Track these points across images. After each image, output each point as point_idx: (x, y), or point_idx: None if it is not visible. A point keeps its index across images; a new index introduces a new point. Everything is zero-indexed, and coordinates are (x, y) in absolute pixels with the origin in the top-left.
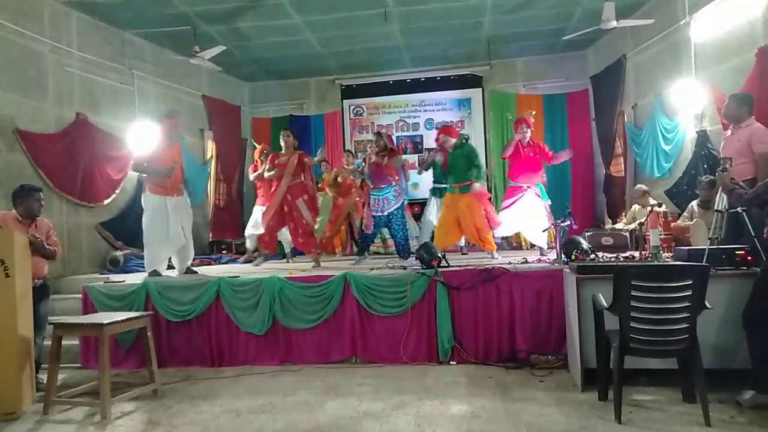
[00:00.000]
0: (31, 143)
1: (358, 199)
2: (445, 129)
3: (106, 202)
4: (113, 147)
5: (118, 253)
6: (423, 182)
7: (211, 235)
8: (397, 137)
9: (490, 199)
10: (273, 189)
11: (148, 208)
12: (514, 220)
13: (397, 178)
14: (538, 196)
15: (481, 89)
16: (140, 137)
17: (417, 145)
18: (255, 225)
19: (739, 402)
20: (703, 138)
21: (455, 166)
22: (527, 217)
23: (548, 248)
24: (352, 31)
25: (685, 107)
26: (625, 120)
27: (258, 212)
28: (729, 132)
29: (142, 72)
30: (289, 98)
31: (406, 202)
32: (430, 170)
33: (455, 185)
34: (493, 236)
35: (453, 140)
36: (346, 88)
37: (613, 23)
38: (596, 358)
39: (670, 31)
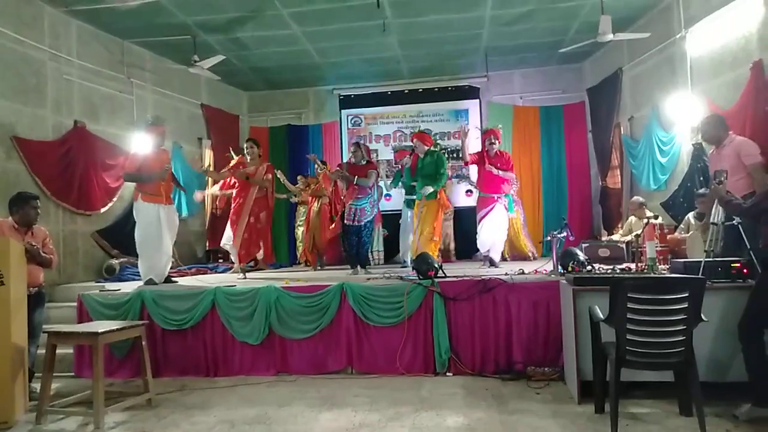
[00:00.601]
0: (28, 151)
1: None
2: (419, 135)
3: (102, 210)
4: (111, 155)
5: (114, 262)
6: (395, 193)
7: (207, 244)
8: (394, 147)
9: (459, 211)
10: (241, 200)
11: (141, 216)
12: (489, 233)
13: (371, 189)
14: (506, 208)
15: (478, 100)
16: (138, 145)
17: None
18: (230, 237)
19: (736, 415)
20: (699, 150)
21: (423, 172)
22: (495, 231)
23: (500, 261)
24: (351, 42)
25: (681, 120)
26: (622, 132)
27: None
28: (713, 150)
29: (141, 80)
30: (288, 108)
31: (375, 213)
32: (398, 184)
33: (422, 192)
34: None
35: (425, 147)
36: (345, 98)
37: (610, 36)
38: (593, 371)
39: (666, 44)
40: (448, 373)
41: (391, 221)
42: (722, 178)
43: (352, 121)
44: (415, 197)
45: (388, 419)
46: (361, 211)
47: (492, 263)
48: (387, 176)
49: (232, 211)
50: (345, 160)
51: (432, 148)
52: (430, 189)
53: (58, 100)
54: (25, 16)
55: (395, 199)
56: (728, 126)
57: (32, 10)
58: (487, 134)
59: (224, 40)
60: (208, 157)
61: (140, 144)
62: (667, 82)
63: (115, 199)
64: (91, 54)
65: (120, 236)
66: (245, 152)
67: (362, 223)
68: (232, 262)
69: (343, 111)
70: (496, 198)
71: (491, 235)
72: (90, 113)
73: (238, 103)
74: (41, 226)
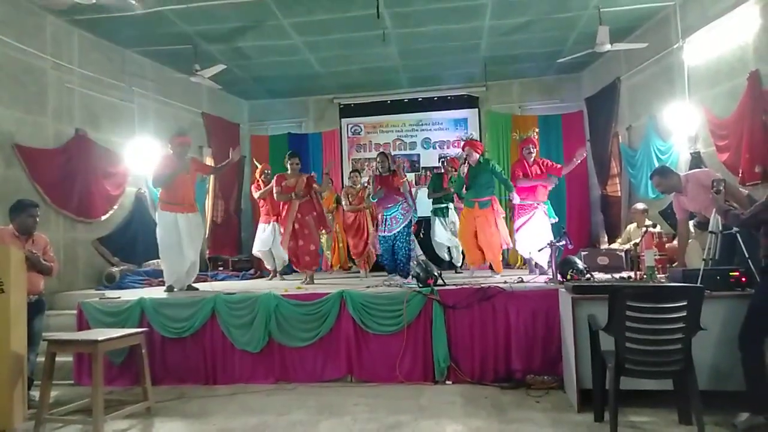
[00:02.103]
0: (29, 158)
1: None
2: (470, 143)
3: (103, 217)
4: (112, 163)
5: (115, 269)
6: (421, 202)
7: (208, 252)
8: (394, 156)
9: (504, 217)
10: (285, 212)
11: (161, 225)
12: (530, 240)
13: (403, 196)
14: (546, 214)
15: (477, 110)
16: (139, 153)
17: (414, 164)
18: (263, 243)
19: (735, 424)
20: (696, 159)
21: (476, 181)
22: (536, 237)
23: (548, 267)
24: (351, 52)
25: (679, 129)
26: (620, 141)
27: (262, 230)
28: (677, 196)
29: (142, 89)
30: (288, 116)
31: (414, 221)
32: (424, 191)
33: (474, 200)
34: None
35: (476, 155)
36: (345, 107)
37: (608, 47)
38: (592, 379)
39: (663, 54)
40: (447, 382)
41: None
42: (720, 187)
43: (352, 130)
44: (443, 205)
45: (388, 428)
46: (393, 219)
47: (542, 271)
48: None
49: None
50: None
51: (482, 156)
52: (517, 198)
53: (60, 108)
54: (28, 25)
55: (422, 207)
56: (673, 170)
57: (35, 19)
58: (525, 143)
59: (225, 49)
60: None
61: (151, 152)
62: (665, 91)
63: (115, 206)
64: (93, 63)
65: (120, 244)
66: (288, 165)
67: (394, 233)
68: (233, 270)
69: (343, 120)
70: (535, 205)
71: (531, 241)
72: (91, 121)
73: (239, 112)
74: (42, 234)
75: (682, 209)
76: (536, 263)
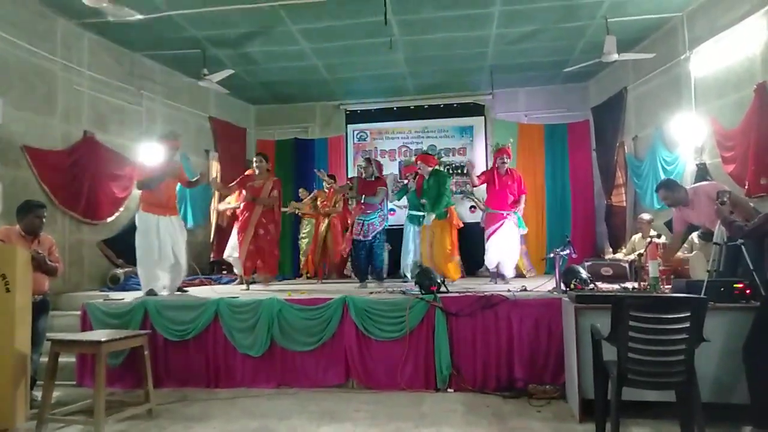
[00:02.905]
0: (38, 159)
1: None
2: (422, 156)
3: (109, 219)
4: (119, 165)
5: (119, 271)
6: (399, 209)
7: (213, 256)
8: (399, 162)
9: (464, 228)
10: (247, 215)
11: (140, 227)
12: (499, 250)
13: (381, 204)
14: (516, 224)
15: (483, 117)
16: (146, 156)
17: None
18: (234, 248)
19: None
20: (702, 171)
21: (429, 193)
22: (504, 246)
23: (513, 278)
24: (358, 59)
25: (685, 140)
26: (626, 151)
27: (234, 235)
28: (682, 209)
29: (150, 92)
30: (294, 122)
31: (386, 227)
32: (404, 198)
33: (429, 212)
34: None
35: (429, 168)
36: (351, 113)
37: (615, 56)
38: (594, 389)
39: (670, 65)
40: (449, 390)
41: (395, 236)
42: (725, 198)
43: (358, 136)
44: (420, 213)
45: None
46: (370, 225)
47: (503, 278)
48: (392, 191)
49: (239, 225)
50: (355, 175)
51: (436, 168)
52: (433, 217)
53: (68, 110)
54: (39, 28)
55: (399, 213)
56: (679, 183)
57: (46, 22)
58: (500, 152)
59: (233, 54)
60: (215, 169)
61: (151, 155)
62: (672, 102)
63: (121, 209)
64: (102, 66)
65: (125, 246)
66: (254, 165)
67: (370, 237)
68: (236, 274)
69: (349, 126)
70: (505, 215)
71: (500, 251)
72: (99, 124)
73: (246, 117)
74: (47, 235)
75: (683, 222)
76: (501, 273)
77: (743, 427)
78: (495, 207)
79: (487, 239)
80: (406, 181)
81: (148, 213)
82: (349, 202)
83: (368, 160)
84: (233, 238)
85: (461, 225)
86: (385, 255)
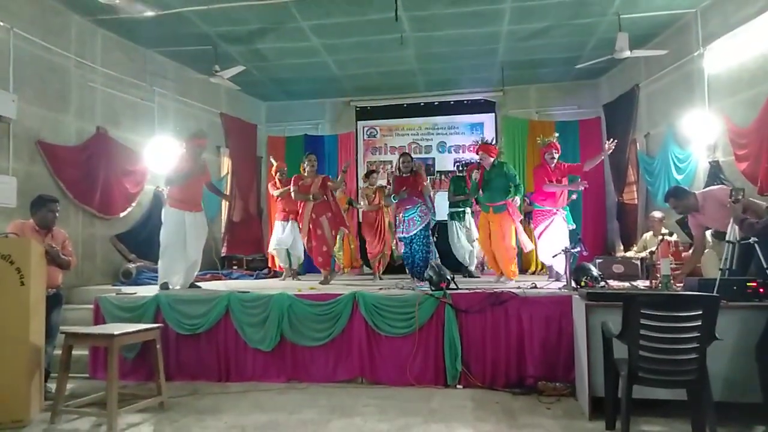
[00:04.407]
0: (52, 155)
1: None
2: (484, 146)
3: (121, 214)
4: (131, 161)
5: (131, 266)
6: (439, 205)
7: (224, 251)
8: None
9: (521, 221)
10: (301, 211)
11: (167, 221)
12: (551, 246)
13: (422, 198)
14: (565, 220)
15: (494, 114)
16: (158, 152)
17: (429, 168)
18: (280, 241)
19: None
20: (715, 168)
21: (491, 185)
22: (556, 243)
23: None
24: (369, 55)
25: (698, 138)
26: (638, 149)
27: (280, 228)
28: (694, 216)
29: (162, 89)
30: (305, 118)
31: (432, 224)
32: (440, 194)
33: (489, 204)
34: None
35: (491, 159)
36: (361, 109)
37: (627, 53)
38: (604, 387)
39: (683, 62)
40: (458, 386)
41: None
42: (739, 196)
43: (368, 133)
44: (461, 209)
45: (397, 429)
46: (410, 221)
47: (557, 278)
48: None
49: (310, 222)
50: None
51: (499, 159)
52: (518, 201)
53: (82, 106)
54: (53, 25)
55: (439, 210)
56: (688, 189)
57: (60, 19)
58: (548, 148)
59: (245, 51)
60: (226, 165)
61: (169, 150)
62: (684, 99)
63: (134, 204)
64: (115, 62)
65: (137, 241)
66: (305, 165)
67: (411, 234)
68: (247, 269)
69: (359, 122)
70: (554, 211)
71: (552, 248)
72: (112, 120)
73: (257, 113)
74: (61, 229)
75: (700, 227)
76: (555, 270)
77: (756, 427)
78: (546, 204)
79: (539, 237)
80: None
81: (176, 209)
82: (386, 200)
83: (407, 155)
84: (277, 232)
85: (521, 217)
86: (430, 254)
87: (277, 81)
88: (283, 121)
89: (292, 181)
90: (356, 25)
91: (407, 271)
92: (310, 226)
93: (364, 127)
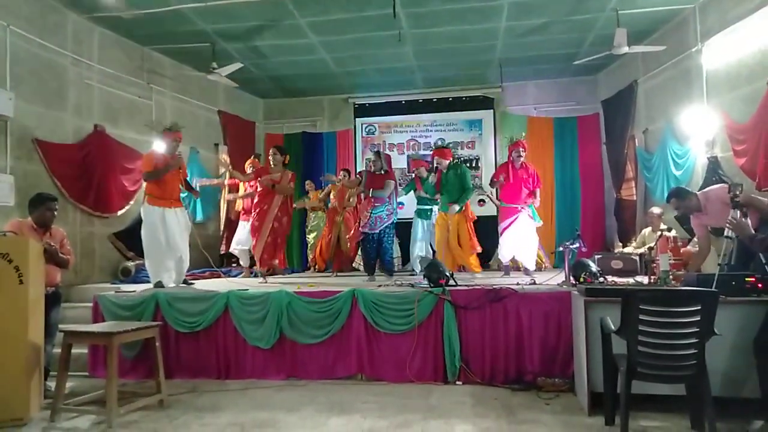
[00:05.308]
0: (49, 153)
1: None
2: (438, 151)
3: (119, 212)
4: (129, 159)
5: (130, 264)
6: (407, 203)
7: (223, 248)
8: (408, 156)
9: (475, 222)
10: (265, 207)
11: (147, 219)
12: (513, 243)
13: (389, 198)
14: (531, 217)
15: (492, 111)
16: (155, 147)
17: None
18: (239, 241)
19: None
20: (714, 164)
21: (447, 187)
22: (521, 240)
23: (535, 270)
24: (367, 52)
25: (696, 133)
26: (636, 145)
27: (242, 227)
28: (696, 216)
29: (160, 86)
30: (303, 115)
31: (395, 221)
32: (410, 192)
33: (448, 205)
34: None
35: (446, 161)
36: (359, 106)
37: (625, 49)
38: (603, 382)
39: (681, 57)
40: (457, 382)
41: (403, 230)
42: (738, 192)
43: (367, 130)
44: (428, 207)
45: (397, 426)
46: (378, 218)
47: (526, 271)
48: (400, 185)
49: (254, 216)
50: (364, 169)
51: (454, 161)
52: (457, 207)
53: (79, 104)
54: (49, 22)
55: (407, 207)
56: (689, 190)
57: (57, 17)
58: (515, 146)
59: (243, 48)
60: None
61: (156, 146)
62: (683, 95)
63: (132, 202)
64: (112, 60)
65: (136, 239)
66: (270, 158)
67: (378, 230)
68: (244, 267)
69: (357, 119)
70: (519, 208)
71: (515, 245)
72: (109, 117)
73: (255, 110)
74: (59, 227)
75: (702, 227)
76: (524, 267)
77: (754, 421)
78: (509, 201)
79: (501, 233)
80: (413, 175)
81: (153, 206)
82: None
83: (377, 154)
84: (240, 232)
85: (475, 218)
86: (395, 249)
87: (275, 78)
88: (282, 118)
89: (254, 173)
90: (354, 22)
91: (363, 268)
92: (275, 224)
93: (362, 124)
